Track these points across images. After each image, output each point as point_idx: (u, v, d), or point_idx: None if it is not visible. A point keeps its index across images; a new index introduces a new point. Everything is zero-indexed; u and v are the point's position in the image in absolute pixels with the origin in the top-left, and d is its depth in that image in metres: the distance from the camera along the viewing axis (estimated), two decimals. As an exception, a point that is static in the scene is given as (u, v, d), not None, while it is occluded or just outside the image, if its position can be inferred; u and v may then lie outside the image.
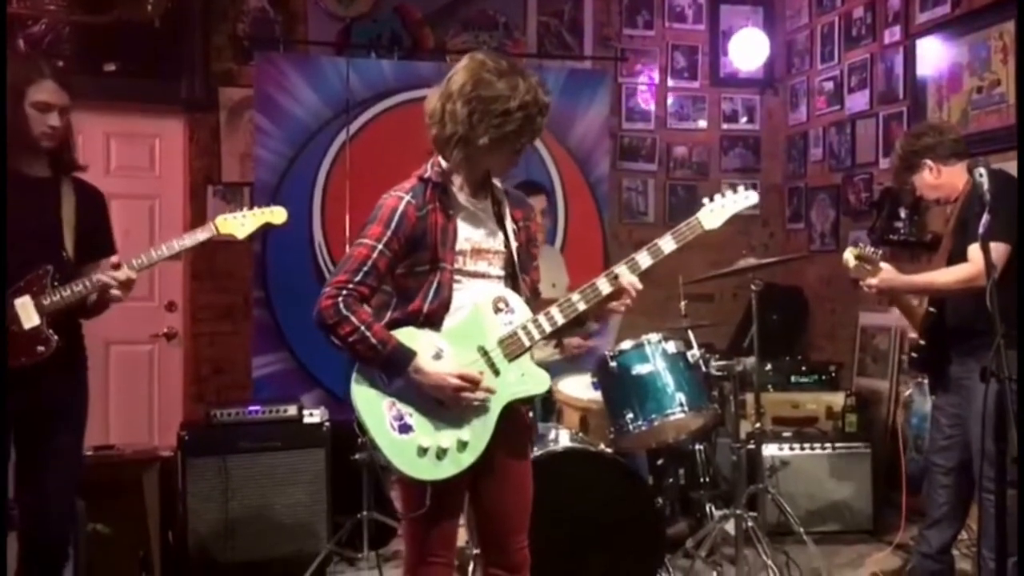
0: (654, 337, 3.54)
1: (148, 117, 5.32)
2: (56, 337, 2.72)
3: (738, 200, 2.55)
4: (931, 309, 3.47)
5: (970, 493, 3.45)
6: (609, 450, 3.47)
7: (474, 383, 2.23)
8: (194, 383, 5.36)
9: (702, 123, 6.33)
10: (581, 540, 3.18)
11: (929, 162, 3.40)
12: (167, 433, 4.68)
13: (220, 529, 3.74)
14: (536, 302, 2.47)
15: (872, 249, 3.36)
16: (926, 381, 3.92)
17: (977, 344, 3.29)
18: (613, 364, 3.51)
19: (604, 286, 2.36)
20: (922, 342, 3.53)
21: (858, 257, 3.33)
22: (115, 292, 2.78)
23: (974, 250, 3.18)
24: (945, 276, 3.31)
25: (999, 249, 3.07)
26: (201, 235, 2.92)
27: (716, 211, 2.52)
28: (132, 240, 5.15)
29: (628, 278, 2.35)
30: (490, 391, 2.27)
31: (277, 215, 3.11)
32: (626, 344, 3.55)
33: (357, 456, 3.93)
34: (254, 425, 3.92)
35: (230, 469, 3.77)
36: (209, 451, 3.78)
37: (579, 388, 3.90)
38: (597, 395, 3.70)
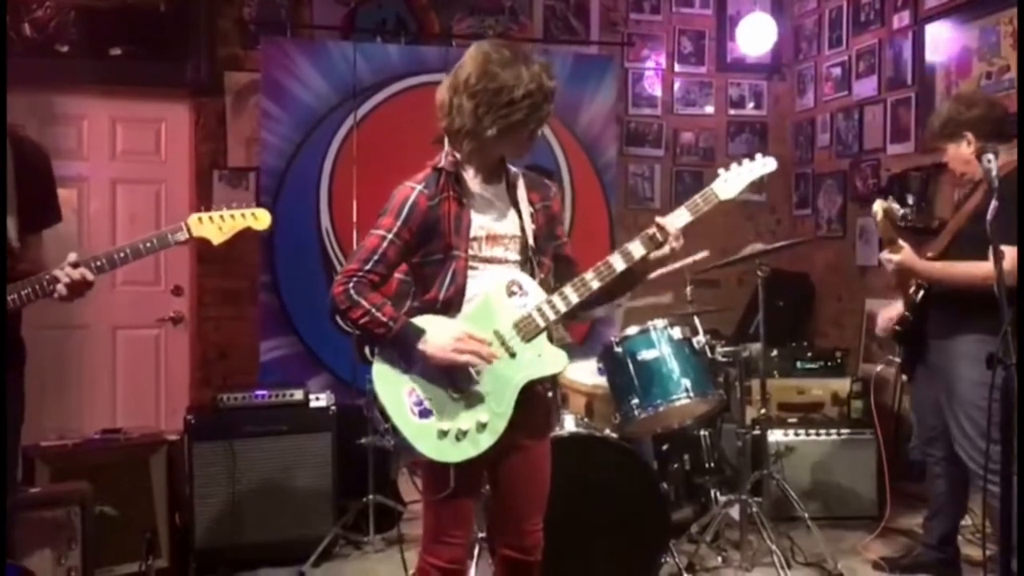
0: (660, 323, 3.54)
1: (154, 101, 5.32)
2: None
3: (755, 167, 2.52)
4: (921, 282, 3.46)
5: (965, 480, 3.46)
6: (614, 435, 3.47)
7: (479, 341, 2.27)
8: (200, 367, 5.38)
9: (709, 108, 6.30)
10: (586, 525, 3.19)
11: (969, 135, 3.31)
12: (174, 417, 4.70)
13: (227, 512, 3.76)
14: (571, 273, 2.46)
15: (899, 208, 3.30)
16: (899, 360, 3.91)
17: (960, 322, 3.27)
18: (619, 349, 3.51)
19: (618, 263, 2.38)
20: (908, 315, 3.52)
21: (886, 211, 3.27)
22: (60, 288, 2.42)
23: (1002, 251, 3.14)
24: (964, 269, 3.23)
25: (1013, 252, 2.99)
26: (171, 239, 2.56)
27: (731, 180, 2.49)
28: (139, 225, 5.19)
29: (641, 251, 2.39)
30: (494, 355, 2.28)
31: (261, 219, 2.71)
32: (632, 330, 3.55)
33: (363, 440, 3.95)
34: (260, 409, 3.93)
35: (236, 453, 3.78)
36: (215, 435, 3.79)
37: (584, 373, 3.90)
38: (602, 380, 3.70)
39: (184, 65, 5.26)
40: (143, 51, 5.18)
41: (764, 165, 2.52)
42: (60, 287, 2.43)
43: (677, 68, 6.24)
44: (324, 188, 5.25)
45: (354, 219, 4.85)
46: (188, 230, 2.60)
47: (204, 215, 2.63)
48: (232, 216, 2.66)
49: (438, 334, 2.26)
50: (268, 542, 3.81)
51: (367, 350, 5.38)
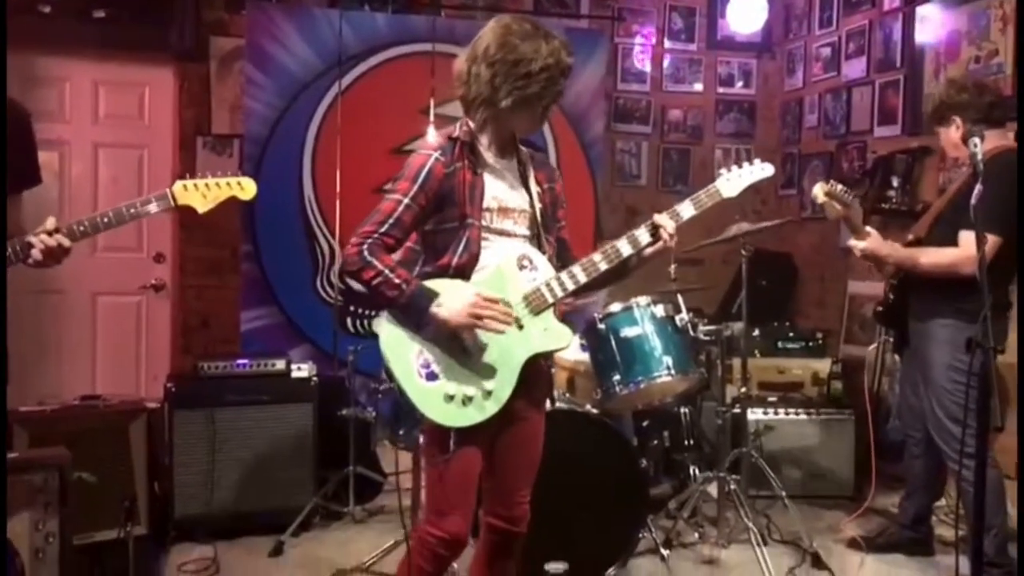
0: (643, 300, 3.54)
1: (137, 65, 5.26)
2: None
3: (754, 171, 2.65)
4: None
5: (943, 461, 3.50)
6: (595, 411, 3.48)
7: (494, 301, 2.29)
8: (182, 335, 5.35)
9: (698, 86, 6.29)
10: (565, 500, 3.20)
11: (958, 120, 3.32)
12: (154, 385, 4.69)
13: (206, 481, 3.75)
14: (565, 256, 2.54)
15: (843, 188, 3.33)
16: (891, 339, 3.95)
17: (934, 306, 3.31)
18: (601, 326, 3.52)
19: (625, 247, 2.44)
20: (890, 296, 3.56)
21: (828, 194, 3.30)
22: (36, 256, 2.39)
23: (967, 236, 3.15)
24: (929, 256, 3.32)
25: (991, 241, 3.01)
26: (155, 206, 2.52)
27: (733, 180, 2.62)
28: (120, 189, 5.15)
29: (647, 239, 2.45)
30: (509, 311, 2.31)
31: (246, 189, 2.67)
32: (615, 306, 3.56)
33: (344, 412, 3.94)
34: (241, 379, 3.92)
35: (217, 422, 3.77)
36: (196, 403, 3.78)
37: (567, 349, 3.90)
38: (585, 356, 3.71)
39: (168, 29, 5.17)
40: (127, 14, 5.10)
41: (763, 170, 2.66)
42: (35, 253, 2.39)
43: (667, 44, 6.22)
44: (307, 157, 5.21)
45: (337, 188, 4.82)
46: (173, 197, 2.57)
47: (189, 183, 2.61)
48: (217, 184, 2.64)
49: (452, 298, 2.27)
50: (247, 511, 3.81)
51: (349, 321, 5.37)
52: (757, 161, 2.67)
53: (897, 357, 3.90)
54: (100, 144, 5.22)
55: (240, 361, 3.98)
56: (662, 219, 2.44)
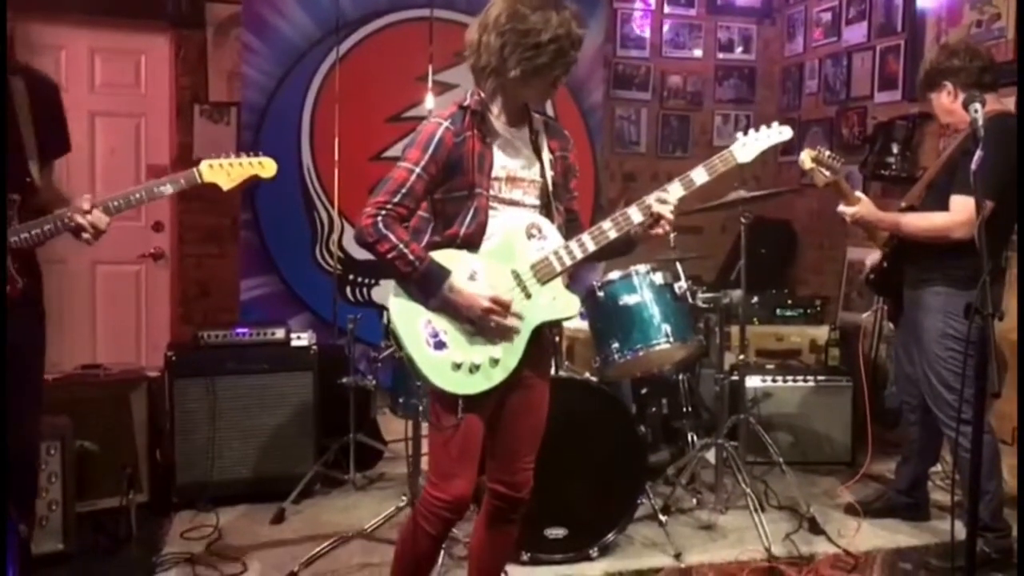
0: (642, 268, 3.54)
1: (133, 33, 5.22)
2: (21, 280, 2.54)
3: (771, 135, 2.60)
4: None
5: (940, 428, 3.52)
6: (594, 379, 3.49)
7: (504, 307, 2.31)
8: (181, 304, 5.36)
9: (697, 52, 6.24)
10: (564, 467, 3.22)
11: (949, 85, 3.31)
12: (155, 353, 4.70)
13: (207, 449, 3.77)
14: (575, 228, 2.53)
15: (830, 154, 3.31)
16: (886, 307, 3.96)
17: (926, 273, 3.31)
18: (600, 294, 3.52)
19: (635, 215, 2.42)
20: (885, 264, 3.56)
21: (815, 160, 3.28)
22: (86, 236, 2.51)
23: (957, 201, 3.15)
24: (919, 221, 3.32)
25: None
26: (184, 182, 2.63)
27: (749, 144, 2.57)
28: (118, 158, 5.13)
29: (659, 208, 2.41)
30: (518, 316, 2.34)
31: (267, 168, 2.78)
32: (614, 274, 3.55)
33: (344, 380, 3.96)
34: (241, 347, 3.93)
35: (217, 390, 3.79)
36: (196, 372, 3.79)
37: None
38: (584, 324, 3.72)
39: (165, -5, 5.14)
40: (122, -20, 5.06)
41: (780, 133, 2.61)
42: (86, 236, 2.48)
43: (667, 9, 6.16)
44: (305, 125, 5.18)
45: (336, 157, 4.80)
46: (200, 175, 2.65)
47: (215, 161, 2.69)
48: (240, 164, 2.72)
49: (465, 284, 2.29)
50: (248, 479, 3.84)
51: (348, 290, 5.38)
52: (775, 124, 2.62)
53: (891, 325, 3.90)
54: (96, 113, 5.19)
55: (240, 330, 3.98)
56: (660, 207, 2.41)
